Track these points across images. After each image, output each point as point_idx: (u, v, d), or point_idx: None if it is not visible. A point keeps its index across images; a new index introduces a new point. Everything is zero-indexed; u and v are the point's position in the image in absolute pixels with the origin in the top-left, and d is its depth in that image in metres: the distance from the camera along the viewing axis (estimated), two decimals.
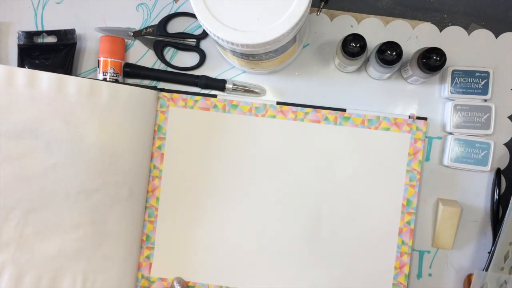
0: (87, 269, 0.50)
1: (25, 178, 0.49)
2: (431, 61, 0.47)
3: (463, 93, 0.52)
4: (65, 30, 0.54)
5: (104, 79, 0.53)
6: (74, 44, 0.54)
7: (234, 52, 0.46)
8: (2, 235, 0.49)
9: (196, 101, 0.54)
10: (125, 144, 0.51)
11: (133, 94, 0.51)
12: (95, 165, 0.50)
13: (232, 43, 0.41)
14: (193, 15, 0.55)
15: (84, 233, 0.50)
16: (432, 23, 0.54)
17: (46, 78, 0.49)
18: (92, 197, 0.50)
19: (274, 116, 0.54)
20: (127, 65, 0.55)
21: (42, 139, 0.49)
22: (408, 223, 0.53)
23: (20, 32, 0.54)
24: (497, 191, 0.52)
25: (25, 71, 0.49)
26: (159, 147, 0.54)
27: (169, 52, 0.56)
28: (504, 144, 0.53)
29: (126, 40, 0.55)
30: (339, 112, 0.53)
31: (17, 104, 0.49)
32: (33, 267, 0.49)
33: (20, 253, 0.49)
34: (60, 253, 0.50)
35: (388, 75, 0.52)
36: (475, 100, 0.52)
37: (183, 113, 0.54)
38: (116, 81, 0.53)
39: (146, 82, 0.56)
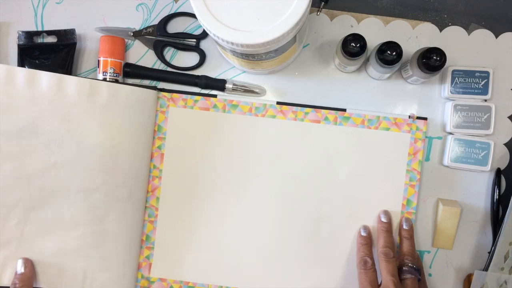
0: (86, 267, 0.51)
1: (26, 176, 0.49)
2: (431, 61, 0.47)
3: (463, 93, 0.52)
4: (65, 30, 0.54)
5: (104, 79, 0.53)
6: (74, 44, 0.54)
7: (234, 52, 0.46)
8: (3, 233, 0.50)
9: (196, 101, 0.54)
10: (125, 144, 0.51)
11: (133, 94, 0.51)
12: (95, 165, 0.50)
13: (232, 43, 0.41)
14: (193, 15, 0.55)
15: (83, 232, 0.50)
16: (432, 23, 0.54)
17: (46, 78, 0.49)
18: (92, 196, 0.50)
19: (274, 116, 0.54)
20: (127, 65, 0.55)
21: (42, 138, 0.49)
22: None
23: (20, 32, 0.54)
24: (497, 191, 0.52)
25: (25, 71, 0.49)
26: (159, 147, 0.54)
27: (169, 52, 0.56)
28: (504, 144, 0.53)
29: (126, 40, 0.55)
30: (339, 112, 0.53)
31: (17, 104, 0.49)
32: (34, 262, 0.50)
33: (21, 250, 0.50)
34: (60, 250, 0.50)
35: (388, 75, 0.52)
36: (475, 100, 0.52)
37: (183, 113, 0.54)
38: (116, 81, 0.53)
39: (146, 82, 0.56)
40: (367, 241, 0.51)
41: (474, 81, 0.52)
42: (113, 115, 0.51)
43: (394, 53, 0.47)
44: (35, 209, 0.50)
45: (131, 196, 0.52)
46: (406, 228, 0.52)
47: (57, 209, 0.50)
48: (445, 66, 0.47)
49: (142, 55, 0.56)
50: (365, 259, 0.49)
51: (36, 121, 0.49)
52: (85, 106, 0.50)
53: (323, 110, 0.53)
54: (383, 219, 0.52)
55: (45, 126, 0.49)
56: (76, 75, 0.55)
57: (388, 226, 0.51)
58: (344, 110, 0.53)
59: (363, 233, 0.52)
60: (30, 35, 0.54)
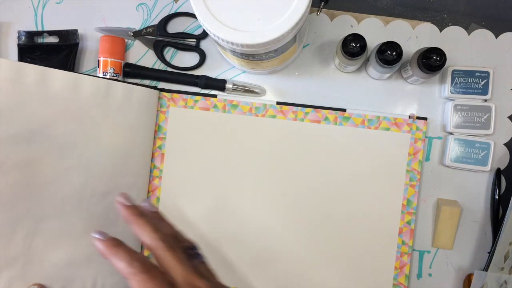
0: (97, 274, 0.48)
1: (36, 185, 0.44)
2: (431, 61, 0.47)
3: (463, 93, 0.52)
4: (67, 30, 0.54)
5: None
6: (77, 44, 0.54)
7: (234, 52, 0.46)
8: (9, 250, 0.43)
9: (196, 101, 0.54)
10: (135, 145, 0.51)
11: (144, 95, 0.51)
12: (108, 168, 0.49)
13: (232, 43, 0.41)
14: (193, 15, 0.55)
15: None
16: (432, 23, 0.54)
17: (59, 77, 0.45)
18: (104, 200, 0.49)
19: (274, 116, 0.54)
20: (127, 65, 0.55)
21: (55, 142, 0.45)
22: (408, 223, 0.53)
23: (21, 32, 0.53)
24: (497, 191, 0.52)
25: (36, 68, 0.44)
26: (159, 147, 0.54)
27: (169, 52, 0.56)
28: (504, 144, 0.53)
29: (126, 40, 0.55)
30: (339, 112, 0.53)
31: (27, 105, 0.44)
32: (42, 278, 0.45)
33: (28, 266, 0.44)
34: (70, 261, 0.46)
35: (388, 75, 0.52)
36: (475, 100, 0.52)
37: (183, 113, 0.54)
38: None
39: (146, 82, 0.56)
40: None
41: (474, 81, 0.52)
42: (126, 116, 0.50)
43: (394, 53, 0.47)
44: (45, 219, 0.45)
45: (138, 197, 0.52)
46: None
47: (68, 217, 0.46)
48: (445, 66, 0.47)
49: (142, 55, 0.56)
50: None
51: (49, 123, 0.45)
52: (101, 107, 0.48)
53: (323, 110, 0.53)
54: (126, 202, 0.39)
55: (58, 129, 0.45)
56: None
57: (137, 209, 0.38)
58: (344, 110, 0.53)
59: (102, 237, 0.36)
60: (30, 35, 0.54)
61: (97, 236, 0.36)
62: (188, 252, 0.35)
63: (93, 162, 0.48)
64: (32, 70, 0.44)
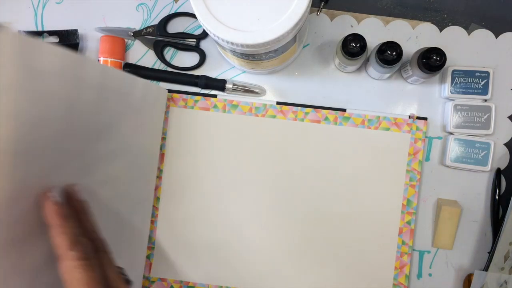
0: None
1: (115, 201, 0.40)
2: (431, 61, 0.47)
3: (463, 93, 0.52)
4: (67, 31, 0.54)
5: None
6: (77, 44, 0.54)
7: (234, 52, 0.46)
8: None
9: (196, 101, 0.54)
10: (157, 145, 0.52)
11: (164, 95, 0.52)
12: (146, 173, 0.49)
13: (232, 43, 0.41)
14: (193, 15, 0.55)
15: (124, 245, 0.46)
16: (432, 23, 0.54)
17: (154, 88, 0.44)
18: (137, 206, 0.48)
19: (274, 116, 0.54)
20: (127, 65, 0.55)
21: (131, 154, 0.43)
22: (408, 223, 0.53)
23: (21, 32, 0.53)
24: (497, 191, 0.52)
25: (144, 82, 0.40)
26: (160, 147, 0.54)
27: (169, 52, 0.56)
28: (504, 144, 0.53)
29: (126, 40, 0.55)
30: (339, 112, 0.53)
31: (129, 119, 0.40)
32: None
33: None
34: None
35: (388, 75, 0.52)
36: (475, 100, 0.52)
37: (183, 113, 0.54)
38: None
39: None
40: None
41: (474, 81, 0.52)
42: (155, 117, 0.50)
43: (394, 53, 0.47)
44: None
45: (151, 196, 0.53)
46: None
47: (113, 228, 0.42)
48: (445, 66, 0.47)
49: (142, 55, 0.56)
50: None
51: (133, 136, 0.42)
52: (146, 110, 0.46)
53: (323, 110, 0.53)
54: (58, 199, 0.31)
55: (134, 140, 0.43)
56: None
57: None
58: (344, 110, 0.53)
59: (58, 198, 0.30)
60: (31, 35, 0.54)
61: (53, 194, 0.29)
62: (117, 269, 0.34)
63: (138, 168, 0.46)
64: (141, 84, 0.39)
